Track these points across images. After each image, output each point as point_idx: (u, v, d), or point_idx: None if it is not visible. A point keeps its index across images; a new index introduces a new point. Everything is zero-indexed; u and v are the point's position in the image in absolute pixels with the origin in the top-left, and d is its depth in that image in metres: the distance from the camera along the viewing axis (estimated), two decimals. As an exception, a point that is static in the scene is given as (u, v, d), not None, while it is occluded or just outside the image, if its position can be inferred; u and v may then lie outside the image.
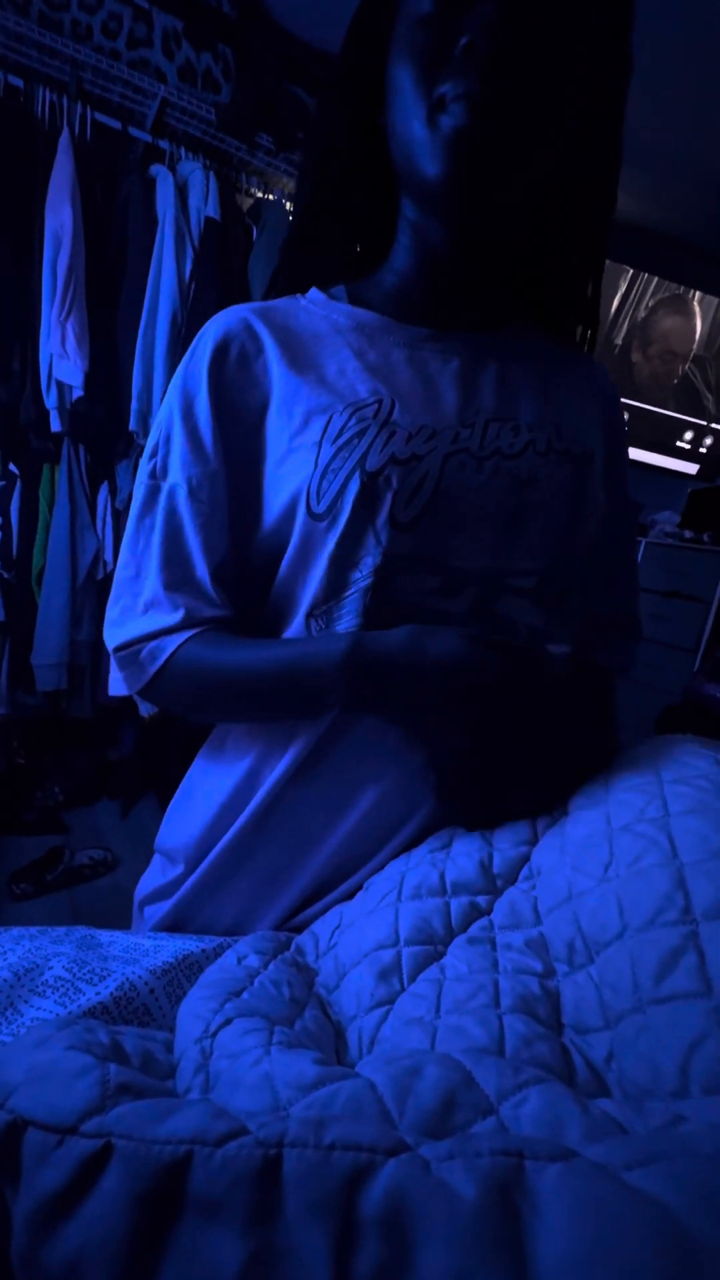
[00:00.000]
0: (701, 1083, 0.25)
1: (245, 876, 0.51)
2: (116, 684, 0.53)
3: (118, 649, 0.51)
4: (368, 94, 0.48)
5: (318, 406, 0.47)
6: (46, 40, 1.55)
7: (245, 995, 0.34)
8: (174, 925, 0.54)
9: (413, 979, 0.36)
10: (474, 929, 0.39)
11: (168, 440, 0.50)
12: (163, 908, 0.55)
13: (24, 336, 1.63)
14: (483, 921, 0.39)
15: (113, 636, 0.51)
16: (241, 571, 0.52)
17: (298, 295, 0.54)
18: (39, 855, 1.73)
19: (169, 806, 0.60)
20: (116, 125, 1.68)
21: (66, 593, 1.82)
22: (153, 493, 0.50)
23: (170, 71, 1.69)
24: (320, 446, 0.45)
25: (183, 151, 1.76)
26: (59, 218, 1.54)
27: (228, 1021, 0.30)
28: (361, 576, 0.45)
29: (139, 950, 0.46)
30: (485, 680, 0.42)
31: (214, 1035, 0.29)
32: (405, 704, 0.45)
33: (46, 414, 1.68)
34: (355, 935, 0.42)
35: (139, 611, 0.50)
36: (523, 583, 0.48)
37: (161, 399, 1.73)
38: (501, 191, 0.44)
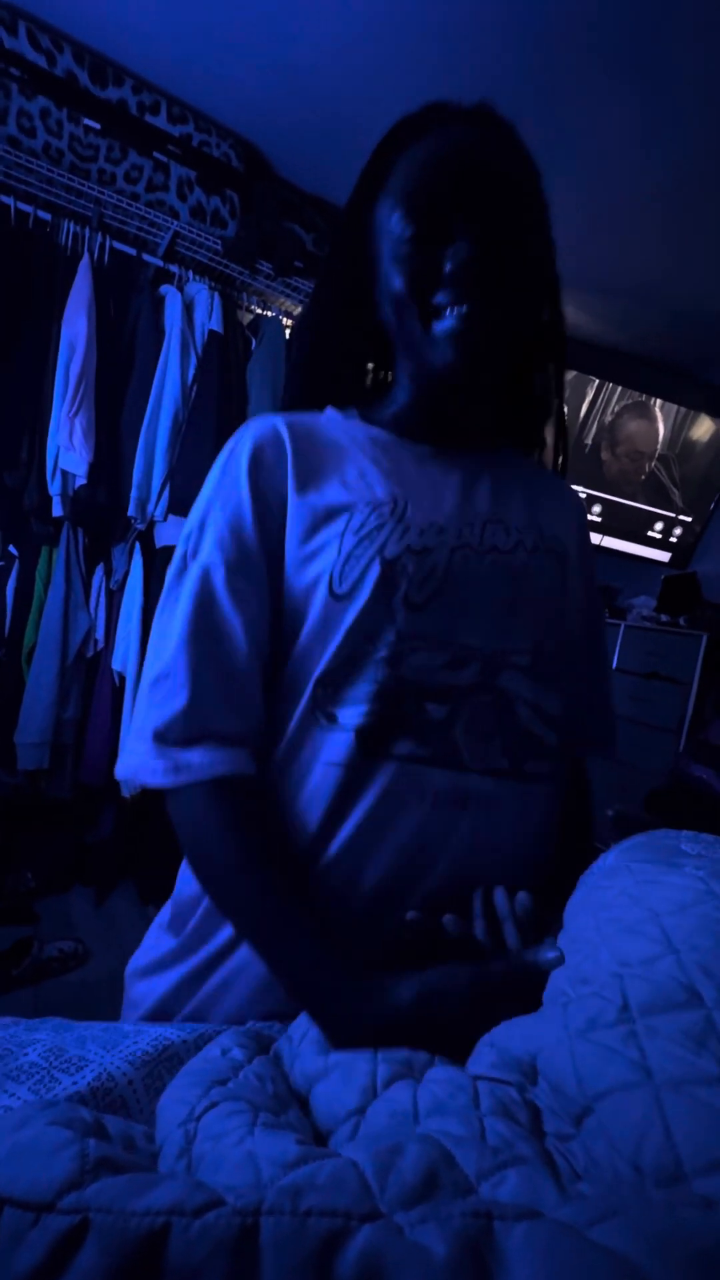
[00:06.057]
0: (654, 1177, 0.25)
1: (242, 962, 0.51)
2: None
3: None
4: (359, 279, 0.57)
5: (340, 504, 0.53)
6: (75, 184, 1.76)
7: (230, 1085, 0.33)
8: (163, 1008, 0.54)
9: (387, 1085, 0.35)
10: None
11: (201, 527, 0.55)
12: (156, 987, 0.55)
13: (33, 430, 1.73)
14: None
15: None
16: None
17: (316, 412, 0.61)
18: (5, 947, 1.63)
19: (182, 865, 0.59)
20: (132, 252, 1.87)
21: (56, 671, 1.83)
22: (180, 573, 0.54)
23: (183, 210, 1.90)
24: (343, 537, 0.52)
25: (190, 274, 1.95)
26: (74, 328, 1.68)
27: (212, 1105, 0.29)
28: (376, 650, 0.50)
29: (117, 1036, 0.44)
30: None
31: (198, 1119, 0.28)
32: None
33: (49, 500, 1.75)
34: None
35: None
36: (520, 660, 0.54)
37: (160, 487, 1.83)
38: (487, 371, 0.54)
